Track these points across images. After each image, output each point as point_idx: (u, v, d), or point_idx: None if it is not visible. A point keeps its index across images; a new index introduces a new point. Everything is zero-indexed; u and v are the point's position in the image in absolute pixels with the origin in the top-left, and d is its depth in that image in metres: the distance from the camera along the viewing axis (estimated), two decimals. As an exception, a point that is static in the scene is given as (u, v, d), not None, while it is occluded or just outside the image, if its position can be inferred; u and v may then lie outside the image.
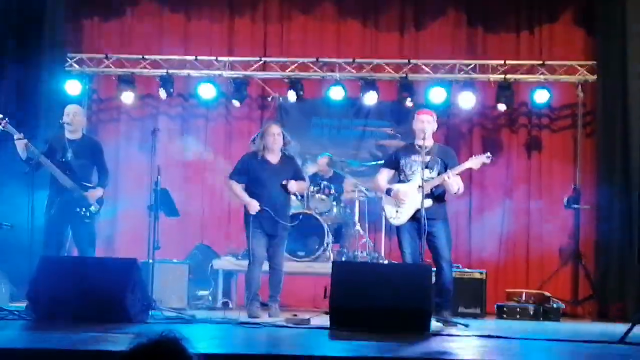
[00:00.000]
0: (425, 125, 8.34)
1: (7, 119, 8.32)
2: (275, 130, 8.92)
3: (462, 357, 5.46)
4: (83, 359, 4.45)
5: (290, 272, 9.96)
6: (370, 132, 11.94)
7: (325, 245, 10.23)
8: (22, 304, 8.10)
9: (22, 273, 8.67)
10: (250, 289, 8.77)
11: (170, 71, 11.81)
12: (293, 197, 10.29)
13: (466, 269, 10.32)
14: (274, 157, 8.93)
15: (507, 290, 10.44)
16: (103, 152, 8.97)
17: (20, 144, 8.26)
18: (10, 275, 9.53)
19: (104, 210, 8.98)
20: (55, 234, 8.56)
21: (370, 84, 11.62)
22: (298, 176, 9.05)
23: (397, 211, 8.38)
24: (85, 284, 7.07)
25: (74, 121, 8.71)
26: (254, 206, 8.69)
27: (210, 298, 10.46)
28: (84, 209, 8.53)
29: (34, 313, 7.27)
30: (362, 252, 10.66)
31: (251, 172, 8.88)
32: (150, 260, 8.37)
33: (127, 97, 11.76)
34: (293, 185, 8.89)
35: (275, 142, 8.84)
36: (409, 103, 11.47)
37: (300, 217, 9.72)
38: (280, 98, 11.92)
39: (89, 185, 8.67)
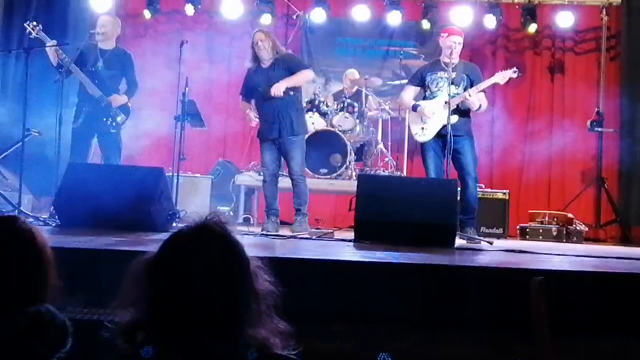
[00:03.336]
0: (456, 45, 8.30)
1: (40, 25, 8.42)
2: (257, 37, 8.40)
3: (488, 266, 5.48)
4: (111, 258, 4.43)
5: (312, 189, 9.95)
6: (394, 51, 11.83)
7: (348, 163, 10.21)
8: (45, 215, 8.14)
9: (45, 185, 8.75)
10: (265, 202, 8.66)
11: (198, -14, 11.74)
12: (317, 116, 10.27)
13: (489, 189, 10.29)
14: (266, 63, 8.43)
15: (530, 211, 10.44)
16: (134, 64, 8.99)
17: (52, 50, 8.33)
18: (33, 187, 9.65)
19: (131, 123, 9.02)
20: (82, 144, 8.63)
21: (394, 4, 11.51)
22: (295, 70, 8.42)
23: (422, 128, 8.35)
24: (112, 192, 6.95)
25: (107, 32, 8.78)
26: (249, 119, 8.65)
27: (231, 214, 10.46)
28: (110, 119, 8.64)
29: (60, 220, 7.23)
30: (384, 171, 10.64)
31: (249, 85, 8.56)
32: (173, 173, 8.38)
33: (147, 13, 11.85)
34: (280, 87, 8.22)
35: (261, 48, 8.34)
36: (425, 25, 11.47)
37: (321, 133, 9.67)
38: (306, 16, 11.80)
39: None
